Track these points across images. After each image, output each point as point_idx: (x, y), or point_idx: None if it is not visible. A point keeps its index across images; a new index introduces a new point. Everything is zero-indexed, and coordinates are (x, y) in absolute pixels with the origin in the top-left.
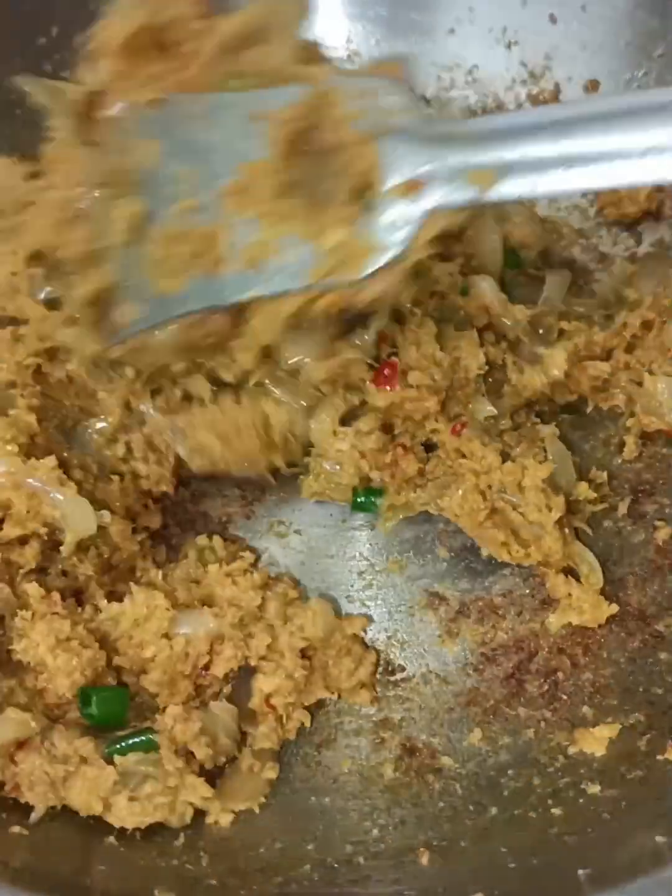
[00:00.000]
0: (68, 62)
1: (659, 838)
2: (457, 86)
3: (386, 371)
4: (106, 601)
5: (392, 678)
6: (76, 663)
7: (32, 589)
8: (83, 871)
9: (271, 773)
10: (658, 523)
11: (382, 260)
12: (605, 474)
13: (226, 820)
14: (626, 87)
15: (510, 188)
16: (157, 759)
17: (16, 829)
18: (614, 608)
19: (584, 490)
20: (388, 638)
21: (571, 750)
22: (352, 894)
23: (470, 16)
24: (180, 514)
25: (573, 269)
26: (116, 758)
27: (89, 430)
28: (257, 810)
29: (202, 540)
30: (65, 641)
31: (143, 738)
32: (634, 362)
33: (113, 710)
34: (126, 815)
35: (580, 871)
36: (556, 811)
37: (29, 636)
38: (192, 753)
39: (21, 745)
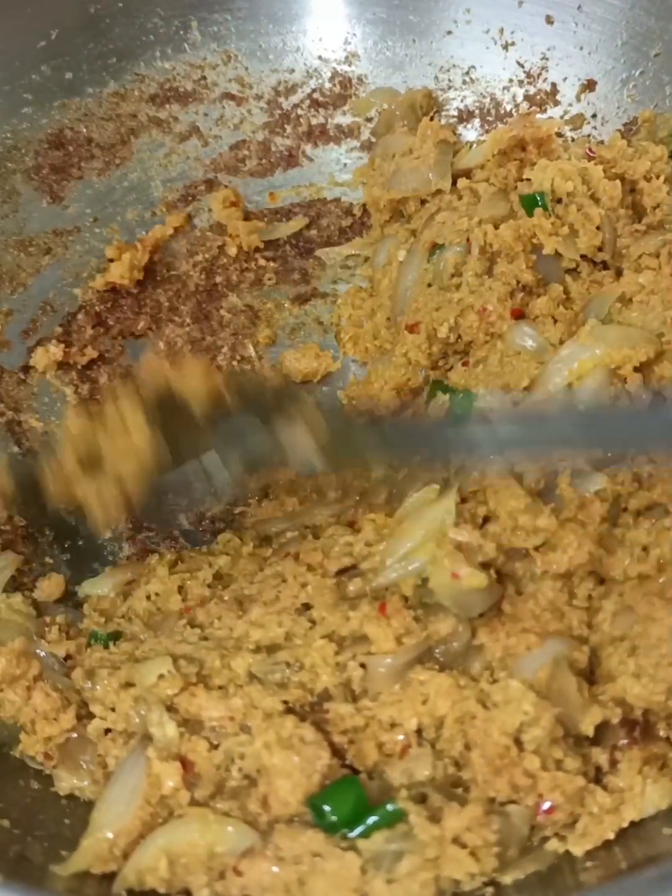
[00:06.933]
0: (67, 65)
1: (666, 831)
2: (454, 86)
3: None
4: None
5: None
6: (298, 762)
7: None
8: None
9: None
10: None
11: None
12: None
13: None
14: (622, 86)
15: None
16: (408, 830)
17: None
18: None
19: None
20: None
21: None
22: None
23: (467, 17)
24: None
25: None
26: (359, 841)
27: None
28: None
29: None
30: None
31: (384, 809)
32: None
33: (351, 808)
34: None
35: (587, 863)
36: None
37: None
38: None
39: (243, 854)
